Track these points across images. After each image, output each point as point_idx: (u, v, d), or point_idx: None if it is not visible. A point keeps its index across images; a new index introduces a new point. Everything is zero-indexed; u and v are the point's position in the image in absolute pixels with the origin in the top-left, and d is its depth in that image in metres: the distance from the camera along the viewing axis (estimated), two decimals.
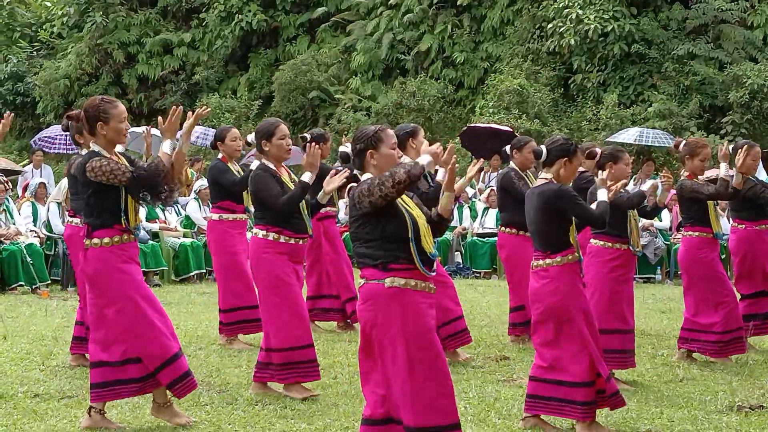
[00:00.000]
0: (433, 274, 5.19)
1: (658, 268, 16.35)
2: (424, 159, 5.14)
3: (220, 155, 9.38)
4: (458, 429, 5.17)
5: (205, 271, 15.69)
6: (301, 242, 7.43)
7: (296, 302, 7.37)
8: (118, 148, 6.58)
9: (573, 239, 6.43)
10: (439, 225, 5.39)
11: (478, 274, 16.72)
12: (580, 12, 24.99)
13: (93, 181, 6.20)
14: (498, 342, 9.77)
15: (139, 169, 6.19)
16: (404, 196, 5.27)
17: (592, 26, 24.72)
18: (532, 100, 24.69)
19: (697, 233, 8.77)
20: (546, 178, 6.52)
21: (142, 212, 15.31)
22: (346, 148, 5.54)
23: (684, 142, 8.90)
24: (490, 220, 17.02)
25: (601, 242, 7.87)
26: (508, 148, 9.58)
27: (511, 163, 9.59)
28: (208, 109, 7.21)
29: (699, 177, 8.77)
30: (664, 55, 25.08)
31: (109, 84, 32.83)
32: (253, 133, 7.63)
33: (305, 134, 9.30)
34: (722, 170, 8.52)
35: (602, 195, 6.76)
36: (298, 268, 7.52)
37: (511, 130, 19.14)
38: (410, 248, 5.06)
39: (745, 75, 23.22)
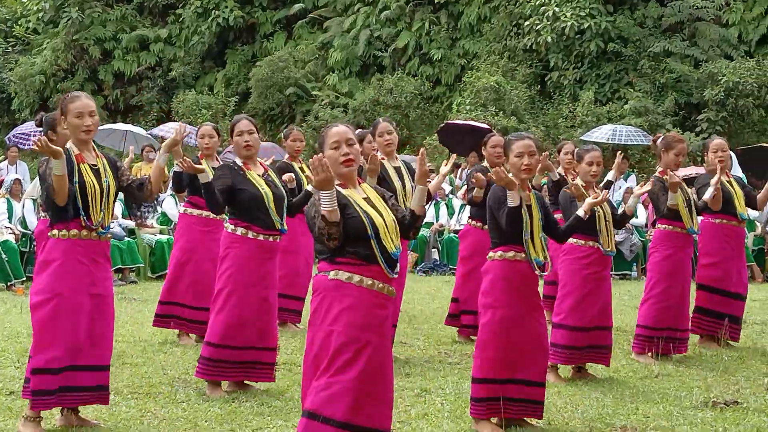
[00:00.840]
0: (395, 275, 5.11)
1: (634, 264, 16.41)
2: (322, 207, 4.86)
3: (200, 153, 9.41)
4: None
5: None
6: (270, 239, 7.36)
7: (246, 304, 7.28)
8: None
9: (519, 239, 6.38)
10: (413, 222, 5.32)
11: (454, 271, 16.69)
12: (557, 9, 25.08)
13: (44, 177, 6.17)
14: (475, 339, 9.77)
15: (47, 184, 6.08)
16: (372, 195, 5.23)
17: (569, 23, 24.81)
18: (509, 97, 24.74)
19: (664, 226, 8.85)
20: None
21: (118, 208, 15.26)
22: None
23: (661, 137, 8.96)
24: (467, 217, 17.02)
25: (573, 240, 7.89)
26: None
27: (485, 161, 9.63)
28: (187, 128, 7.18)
29: (672, 172, 8.81)
30: (640, 52, 25.21)
31: (84, 80, 32.68)
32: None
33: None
34: (671, 200, 8.58)
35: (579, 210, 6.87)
36: (269, 268, 7.41)
37: (489, 127, 19.19)
38: (367, 246, 5.00)
39: (720, 72, 23.35)
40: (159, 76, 32.72)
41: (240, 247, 7.30)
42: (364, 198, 5.15)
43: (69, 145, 6.26)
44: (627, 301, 12.57)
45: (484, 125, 19.51)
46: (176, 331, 9.59)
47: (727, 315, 9.27)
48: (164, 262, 15.39)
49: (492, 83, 24.65)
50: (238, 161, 7.41)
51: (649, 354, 8.66)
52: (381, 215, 5.12)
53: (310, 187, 7.62)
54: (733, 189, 9.27)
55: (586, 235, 7.82)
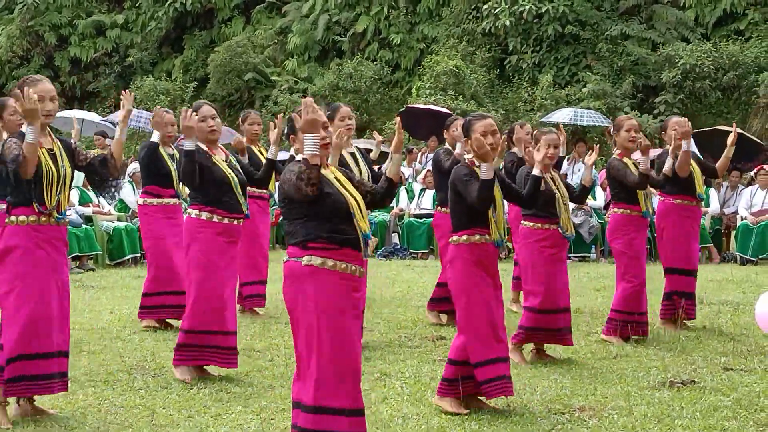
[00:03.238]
0: (367, 257, 5.16)
1: (593, 246, 16.48)
2: (306, 149, 4.93)
3: (154, 138, 9.28)
4: (360, 416, 5.09)
5: (140, 254, 15.50)
6: (235, 222, 7.37)
7: (220, 287, 7.27)
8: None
9: (482, 221, 6.39)
10: (389, 190, 5.37)
11: (415, 255, 16.73)
12: None
13: (2, 159, 6.06)
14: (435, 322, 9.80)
15: (9, 158, 5.95)
16: (340, 177, 5.24)
17: (527, 7, 24.89)
18: (468, 81, 24.79)
19: (621, 210, 8.86)
20: (467, 159, 6.55)
21: (75, 195, 15.10)
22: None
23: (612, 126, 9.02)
24: (427, 201, 17.04)
25: (530, 223, 7.91)
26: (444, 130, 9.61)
27: (445, 143, 9.60)
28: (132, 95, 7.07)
29: (633, 155, 8.84)
30: (597, 35, 25.35)
31: (41, 66, 32.38)
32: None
33: None
34: (642, 164, 8.60)
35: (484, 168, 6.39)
36: (234, 251, 7.42)
37: (450, 111, 19.20)
38: (340, 228, 5.02)
39: (677, 55, 23.53)
40: (116, 62, 32.48)
41: (206, 231, 7.27)
42: (334, 178, 5.17)
43: (25, 128, 6.17)
44: (586, 283, 12.63)
45: (445, 109, 19.53)
46: (135, 319, 9.51)
47: (684, 294, 9.34)
48: (122, 249, 15.28)
49: (451, 67, 24.69)
50: (202, 146, 7.35)
51: (616, 336, 8.70)
52: (352, 196, 5.15)
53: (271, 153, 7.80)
54: (693, 168, 9.32)
55: (543, 218, 7.83)
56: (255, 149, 10.00)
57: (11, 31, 32.34)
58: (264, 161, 9.57)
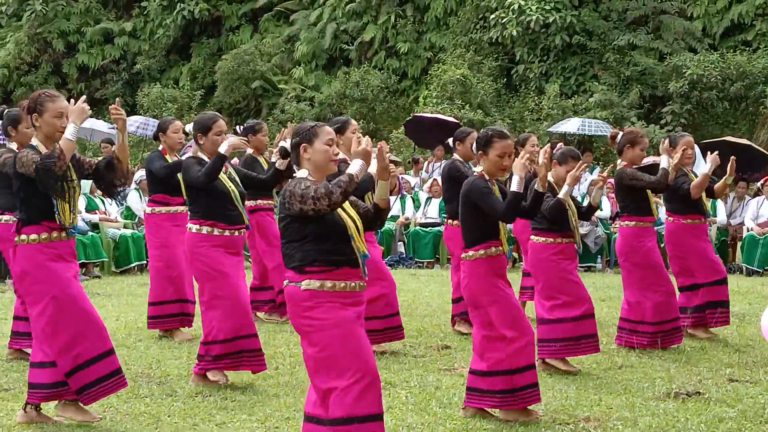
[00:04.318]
0: (366, 276, 5.17)
1: (599, 256, 16.48)
2: (355, 167, 5.03)
3: (161, 146, 9.30)
4: (379, 421, 5.09)
5: (146, 262, 15.49)
6: (236, 233, 7.39)
7: (235, 292, 7.31)
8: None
9: (496, 233, 6.42)
10: (377, 215, 5.35)
11: (420, 264, 16.74)
12: (522, 3, 25.14)
13: (21, 174, 6.09)
14: (439, 331, 9.79)
15: (40, 158, 5.97)
16: None
17: (534, 17, 24.88)
18: (475, 90, 24.80)
19: (634, 222, 8.85)
20: (476, 172, 6.56)
21: (81, 203, 15.13)
22: (286, 143, 5.50)
23: (621, 132, 8.97)
24: (433, 210, 17.05)
25: (542, 238, 7.90)
26: (451, 140, 9.56)
27: (454, 154, 9.56)
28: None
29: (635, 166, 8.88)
30: (605, 45, 25.33)
31: (48, 73, 32.47)
32: (192, 124, 7.57)
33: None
34: (663, 162, 8.62)
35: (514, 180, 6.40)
36: (238, 260, 7.45)
37: (456, 120, 19.22)
38: (336, 249, 5.03)
39: (684, 65, 23.50)
40: (123, 69, 32.55)
41: (207, 245, 7.31)
42: None
43: (35, 142, 6.19)
44: (592, 293, 12.52)
45: (451, 119, 19.55)
46: (140, 326, 9.52)
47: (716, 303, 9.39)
48: (128, 256, 15.31)
49: (458, 76, 24.69)
50: (204, 157, 7.35)
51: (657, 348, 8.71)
52: (351, 217, 5.16)
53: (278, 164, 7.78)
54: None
55: (556, 232, 7.82)
56: (261, 160, 9.98)
57: (19, 38, 32.42)
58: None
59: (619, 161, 8.98)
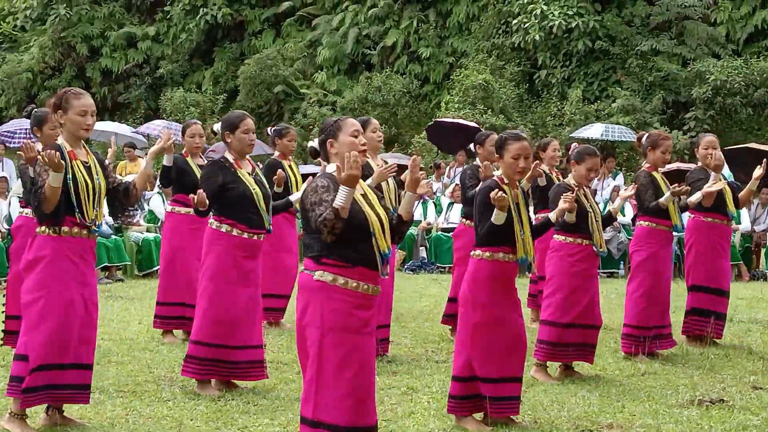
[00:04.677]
0: (386, 275, 5.12)
1: (621, 262, 16.43)
2: (340, 197, 4.84)
3: (183, 150, 9.35)
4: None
5: None
6: (255, 237, 7.33)
7: (232, 302, 7.24)
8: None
9: (506, 239, 6.35)
10: (399, 227, 5.30)
11: (442, 269, 16.73)
12: (545, 8, 25.12)
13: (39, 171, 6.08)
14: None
15: (37, 188, 5.98)
16: (369, 192, 5.22)
17: (557, 22, 24.85)
18: (497, 96, 24.78)
19: (647, 223, 8.80)
20: (496, 176, 6.54)
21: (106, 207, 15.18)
22: (314, 143, 5.46)
23: (646, 134, 8.94)
24: (455, 215, 17.03)
25: (562, 237, 7.87)
26: (472, 144, 9.58)
27: (476, 159, 9.55)
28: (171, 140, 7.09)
29: (659, 169, 8.81)
30: (627, 51, 25.26)
31: (72, 77, 32.61)
32: (219, 123, 7.57)
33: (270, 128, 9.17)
34: (664, 198, 8.58)
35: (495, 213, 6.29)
36: (253, 266, 7.37)
37: (478, 125, 19.19)
38: (357, 246, 4.99)
39: (708, 71, 23.42)
40: (147, 73, 32.68)
41: (223, 244, 7.26)
42: (361, 194, 5.15)
43: (61, 141, 6.21)
44: (614, 300, 12.57)
45: (473, 124, 19.52)
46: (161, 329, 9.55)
47: (714, 313, 9.28)
48: (151, 260, 15.36)
49: (480, 81, 24.68)
50: (230, 158, 7.35)
51: (640, 354, 8.64)
52: (377, 214, 5.12)
53: (294, 197, 7.81)
54: (724, 187, 9.26)
55: (575, 232, 7.79)
56: (286, 164, 9.98)
57: (43, 42, 32.60)
58: (293, 179, 9.66)
59: (643, 163, 8.95)
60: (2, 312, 8.65)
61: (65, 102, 6.15)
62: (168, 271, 9.42)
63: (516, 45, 26.16)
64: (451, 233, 16.37)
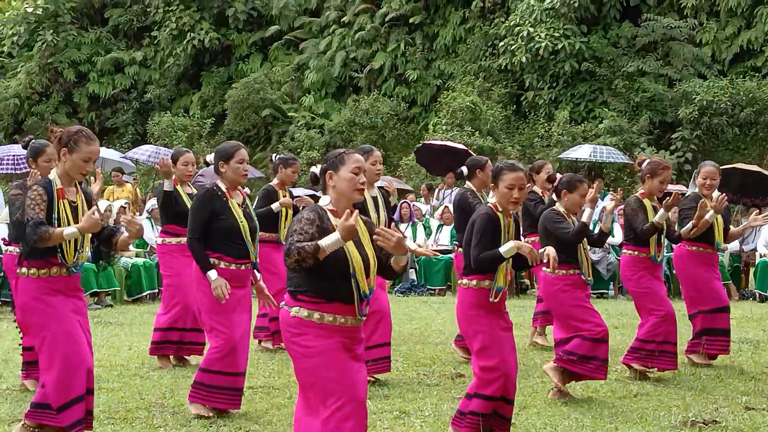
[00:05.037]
0: (363, 316, 5.06)
1: (611, 283, 16.44)
2: (329, 239, 4.82)
3: (173, 177, 9.30)
4: None
5: (157, 290, 15.54)
6: (243, 267, 7.30)
7: (229, 328, 7.21)
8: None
9: (494, 268, 6.33)
10: (389, 273, 5.28)
11: (432, 291, 16.72)
12: (531, 30, 25.23)
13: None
14: (453, 359, 9.76)
15: (33, 226, 5.88)
16: (359, 227, 5.17)
17: (543, 44, 24.95)
18: (485, 117, 24.86)
19: (630, 251, 8.82)
20: (490, 203, 6.54)
21: None
22: (317, 169, 5.41)
23: (647, 160, 8.88)
24: (444, 237, 17.05)
25: (556, 271, 7.86)
26: (464, 168, 9.46)
27: (467, 183, 9.48)
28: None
29: (656, 197, 8.80)
30: (614, 72, 25.37)
31: (59, 103, 32.61)
32: (213, 154, 7.52)
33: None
34: (658, 216, 8.57)
35: (507, 246, 6.24)
36: (243, 293, 7.35)
37: (466, 148, 19.25)
38: (335, 284, 4.96)
39: (694, 91, 23.52)
40: (134, 98, 32.69)
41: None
42: None
43: (53, 176, 6.15)
44: (605, 320, 12.53)
45: (462, 146, 19.58)
46: (153, 356, 9.51)
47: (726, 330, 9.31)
48: (140, 285, 15.32)
49: (467, 103, 24.76)
50: (222, 187, 7.32)
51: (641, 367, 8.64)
52: (363, 254, 5.06)
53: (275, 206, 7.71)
54: (715, 218, 9.23)
55: (564, 264, 7.77)
56: (280, 193, 10.03)
57: (30, 67, 32.58)
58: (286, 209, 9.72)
59: (638, 188, 8.93)
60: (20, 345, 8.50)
61: (74, 143, 6.07)
62: (168, 300, 9.42)
63: (503, 67, 26.27)
64: (443, 257, 16.51)
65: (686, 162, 23.24)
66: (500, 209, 6.43)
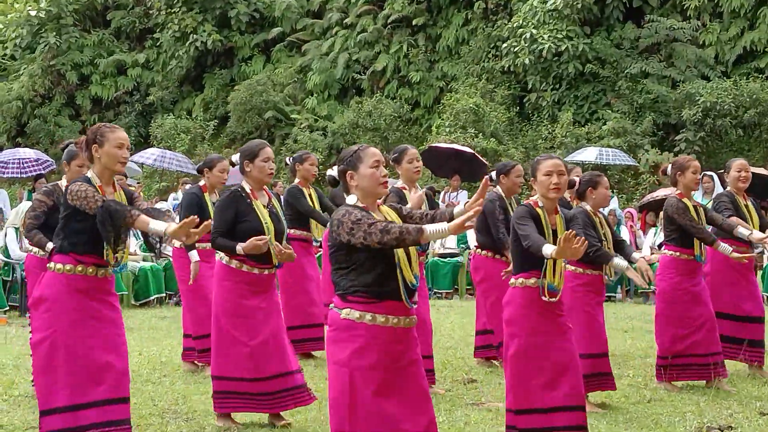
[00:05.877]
0: (414, 305, 4.98)
1: (618, 286, 16.44)
2: (435, 227, 4.67)
3: (201, 182, 9.15)
4: None
5: (165, 294, 15.56)
6: (266, 272, 7.18)
7: (246, 334, 7.10)
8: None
9: (539, 263, 6.12)
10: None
11: (439, 295, 16.71)
12: (534, 31, 25.21)
13: (69, 204, 5.96)
14: (464, 364, 9.75)
15: (112, 203, 5.82)
16: (394, 218, 5.12)
17: (546, 45, 24.94)
18: (488, 119, 24.85)
19: (671, 252, 8.62)
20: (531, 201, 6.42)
21: (134, 243, 15.24)
22: (333, 171, 5.35)
23: (670, 164, 8.76)
24: (451, 241, 17.04)
25: (572, 267, 7.82)
26: (494, 173, 9.32)
27: (497, 188, 9.27)
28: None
29: (693, 191, 8.67)
30: (617, 73, 25.36)
31: (62, 105, 32.61)
32: (238, 153, 7.40)
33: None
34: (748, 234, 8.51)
35: (547, 249, 5.95)
36: (266, 298, 7.22)
37: (472, 150, 19.26)
38: (382, 277, 4.88)
39: (697, 93, 23.50)
40: (137, 100, 32.68)
41: (233, 279, 7.12)
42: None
43: (90, 174, 6.07)
44: (613, 324, 12.55)
45: (468, 149, 19.58)
46: (164, 360, 9.49)
47: (745, 339, 9.17)
48: (148, 289, 15.32)
49: (471, 105, 24.74)
50: (247, 188, 7.18)
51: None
52: None
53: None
54: (749, 212, 9.12)
55: (587, 263, 7.73)
56: (306, 192, 9.89)
57: (33, 70, 32.58)
58: (313, 204, 9.57)
59: (673, 191, 8.76)
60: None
61: (100, 136, 6.02)
62: (191, 304, 9.32)
63: (506, 68, 26.26)
64: (450, 260, 16.51)
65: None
66: (540, 205, 6.27)
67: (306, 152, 10.21)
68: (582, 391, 6.24)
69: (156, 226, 5.70)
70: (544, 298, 6.11)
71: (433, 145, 21.06)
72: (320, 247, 11.11)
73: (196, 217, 5.56)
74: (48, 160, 19.29)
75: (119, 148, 6.04)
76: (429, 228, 4.69)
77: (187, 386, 8.69)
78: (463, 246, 16.81)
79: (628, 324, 12.39)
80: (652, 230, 16.82)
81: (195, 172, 17.26)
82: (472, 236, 12.38)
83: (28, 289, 8.88)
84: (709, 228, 8.71)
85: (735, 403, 7.97)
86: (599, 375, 7.83)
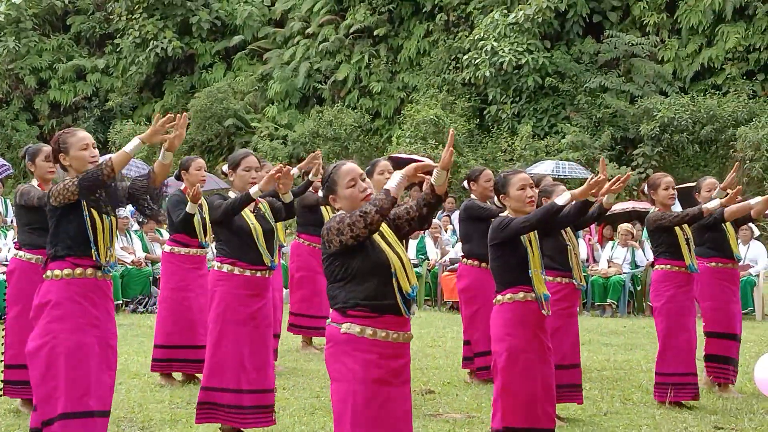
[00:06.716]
0: (412, 315, 4.92)
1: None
2: (392, 181, 4.75)
3: (182, 185, 9.05)
4: None
5: (121, 302, 15.43)
6: (258, 274, 7.07)
7: (238, 344, 7.01)
8: None
9: (526, 278, 6.16)
10: (432, 204, 4.99)
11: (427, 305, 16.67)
12: (495, 44, 25.37)
13: (55, 206, 5.90)
14: (422, 375, 9.73)
15: (86, 172, 5.78)
16: (385, 229, 5.11)
17: (507, 59, 25.10)
18: (448, 130, 24.88)
19: (662, 266, 8.55)
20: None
21: (137, 245, 15.14)
22: (319, 196, 5.31)
23: (645, 185, 8.74)
24: (411, 251, 17.04)
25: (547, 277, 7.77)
26: (465, 182, 9.28)
27: (471, 195, 9.31)
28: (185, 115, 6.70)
29: (670, 205, 8.59)
30: (576, 87, 25.59)
31: (20, 110, 32.36)
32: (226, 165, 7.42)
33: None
34: (711, 204, 8.44)
35: (564, 196, 6.22)
36: (262, 302, 7.13)
37: (432, 161, 19.26)
38: (380, 291, 4.82)
39: (655, 108, 23.77)
40: (96, 106, 32.49)
41: (226, 284, 7.02)
42: (380, 235, 4.93)
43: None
44: (583, 336, 12.58)
45: (427, 159, 19.60)
46: (120, 368, 9.34)
47: (732, 359, 9.08)
48: (116, 295, 15.17)
49: (431, 116, 24.85)
50: (232, 194, 7.14)
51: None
52: (396, 253, 4.93)
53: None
54: (727, 228, 9.07)
55: (554, 270, 7.74)
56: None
57: None
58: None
59: (652, 209, 8.76)
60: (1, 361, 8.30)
61: (63, 143, 5.97)
62: (166, 313, 9.11)
63: (466, 81, 26.41)
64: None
65: (647, 178, 23.40)
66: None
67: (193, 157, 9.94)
68: (554, 415, 6.32)
69: (129, 145, 5.81)
70: (543, 312, 6.17)
71: (393, 155, 21.07)
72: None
73: (171, 114, 5.72)
74: (4, 164, 19.07)
75: (85, 150, 5.97)
76: (390, 183, 4.73)
77: (143, 394, 8.62)
78: (422, 257, 16.82)
79: (585, 337, 12.41)
80: (609, 243, 16.89)
81: None
82: (458, 248, 12.12)
83: (6, 296, 8.54)
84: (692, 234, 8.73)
85: (690, 416, 8.02)
86: (570, 387, 7.80)
